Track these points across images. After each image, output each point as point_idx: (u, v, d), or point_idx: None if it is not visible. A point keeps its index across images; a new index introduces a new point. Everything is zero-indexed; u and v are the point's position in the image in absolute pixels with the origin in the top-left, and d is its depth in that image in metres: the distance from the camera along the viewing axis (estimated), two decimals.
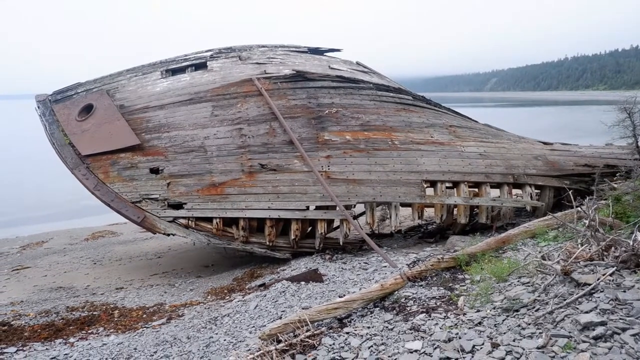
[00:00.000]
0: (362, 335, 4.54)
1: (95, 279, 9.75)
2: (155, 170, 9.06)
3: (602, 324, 3.37)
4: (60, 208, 18.44)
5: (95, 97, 9.99)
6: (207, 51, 10.85)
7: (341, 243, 8.96)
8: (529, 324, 3.83)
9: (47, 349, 5.78)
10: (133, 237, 13.53)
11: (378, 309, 5.28)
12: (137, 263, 10.98)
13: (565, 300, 3.92)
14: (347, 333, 4.67)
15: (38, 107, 10.21)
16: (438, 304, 5.04)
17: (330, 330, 4.85)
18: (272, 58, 10.63)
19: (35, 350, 5.76)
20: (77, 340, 6.06)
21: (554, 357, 3.27)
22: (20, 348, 5.86)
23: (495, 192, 9.68)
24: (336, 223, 9.36)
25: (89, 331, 6.47)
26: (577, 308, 3.72)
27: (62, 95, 10.35)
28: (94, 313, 7.31)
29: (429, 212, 10.97)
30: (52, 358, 5.37)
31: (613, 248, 4.35)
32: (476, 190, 9.69)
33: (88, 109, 9.78)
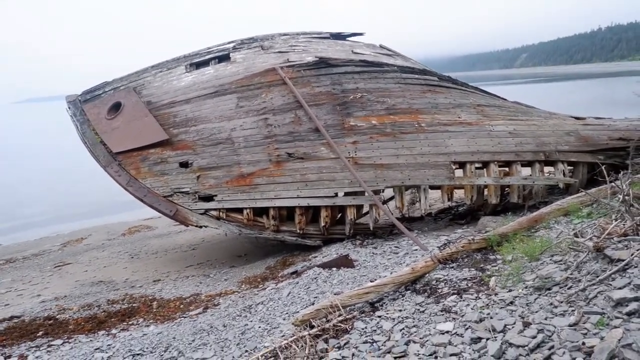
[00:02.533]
0: (393, 319, 4.57)
1: (134, 272, 10.08)
2: (184, 164, 9.25)
3: (636, 299, 3.30)
4: (95, 205, 19.03)
5: (122, 94, 10.23)
6: (229, 43, 10.94)
7: (371, 228, 8.98)
8: (561, 302, 3.77)
9: (91, 340, 6.03)
10: (167, 231, 13.89)
11: (409, 292, 5.29)
12: (173, 255, 11.28)
13: (598, 277, 3.84)
14: (379, 317, 4.71)
15: (69, 108, 10.52)
16: (469, 285, 5.01)
17: (362, 315, 4.90)
18: (294, 46, 10.64)
19: (80, 342, 6.02)
20: (119, 332, 6.29)
21: (586, 334, 3.23)
22: (66, 340, 6.12)
23: (526, 171, 9.49)
24: (365, 208, 9.38)
25: (130, 322, 6.71)
26: (610, 284, 3.64)
27: (91, 94, 10.63)
28: (134, 305, 7.57)
29: (459, 194, 10.85)
30: (96, 349, 5.59)
31: None
32: (507, 169, 9.52)
33: (117, 107, 10.02)
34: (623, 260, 3.81)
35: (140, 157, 9.43)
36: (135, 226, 14.94)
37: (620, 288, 3.51)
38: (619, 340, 2.95)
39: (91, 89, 10.78)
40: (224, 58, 10.50)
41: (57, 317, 7.26)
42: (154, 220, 15.30)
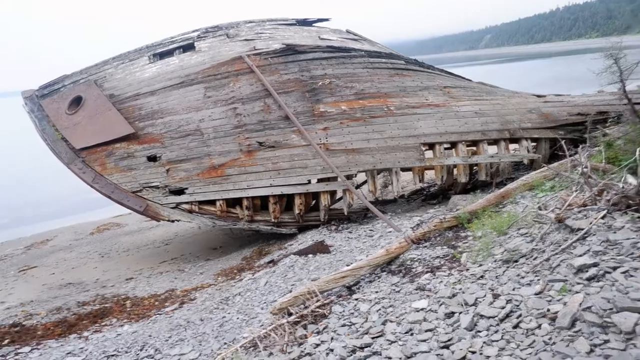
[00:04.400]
0: (370, 300, 4.66)
1: (104, 272, 9.85)
2: (152, 158, 9.10)
3: (595, 265, 3.47)
4: (60, 204, 18.41)
5: (83, 88, 9.91)
6: (193, 32, 10.71)
7: (345, 213, 9.06)
8: (528, 273, 3.93)
9: (62, 345, 5.88)
10: (138, 227, 13.64)
11: (385, 273, 5.39)
12: (145, 252, 11.11)
13: (560, 246, 4.01)
14: (356, 299, 4.80)
15: (26, 104, 10.11)
16: (442, 262, 5.14)
17: (340, 298, 4.97)
18: (261, 33, 10.51)
19: (50, 347, 5.85)
20: (92, 334, 6.17)
21: (550, 301, 3.38)
22: (35, 347, 5.93)
23: (493, 149, 9.72)
24: (339, 194, 9.44)
25: (102, 323, 6.58)
26: (572, 253, 3.81)
27: (49, 89, 10.23)
28: (106, 305, 7.42)
29: (429, 175, 11.04)
30: (67, 353, 5.46)
31: (605, 192, 4.42)
32: (474, 148, 9.72)
33: (77, 102, 9.71)
34: (583, 229, 3.98)
35: (106, 152, 9.22)
36: (104, 224, 14.58)
37: (580, 255, 3.68)
38: (580, 304, 3.10)
39: (49, 83, 10.36)
40: (188, 47, 10.29)
41: (23, 323, 6.98)
42: (123, 217, 14.99)
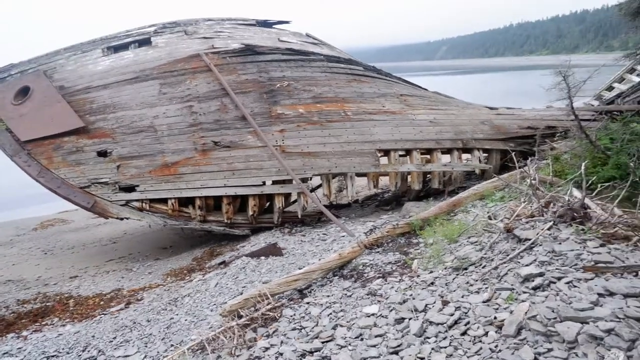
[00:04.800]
0: (321, 304, 4.65)
1: (47, 270, 9.42)
2: (103, 153, 8.78)
3: (540, 275, 3.61)
4: (2, 198, 17.51)
5: (31, 78, 9.46)
6: (150, 26, 10.43)
7: (299, 216, 9.04)
8: (477, 280, 4.04)
9: None
10: (85, 224, 13.13)
11: (337, 277, 5.40)
12: (91, 250, 10.69)
13: (508, 255, 4.15)
14: (308, 303, 4.78)
15: None
16: (394, 268, 5.21)
17: (291, 302, 4.94)
18: (220, 32, 10.36)
19: None
20: (31, 333, 5.90)
21: (497, 308, 3.49)
22: None
23: (446, 158, 9.97)
24: (294, 197, 9.42)
25: (43, 323, 6.31)
26: (519, 262, 3.95)
27: None
28: (47, 304, 7.11)
29: (384, 181, 11.19)
30: (4, 353, 5.21)
31: (552, 204, 4.62)
32: (428, 157, 9.94)
33: (24, 92, 9.28)
34: (530, 240, 4.14)
35: (53, 145, 8.82)
36: (49, 220, 13.93)
37: (527, 265, 3.82)
38: (526, 313, 3.21)
39: None
40: (144, 42, 10.00)
41: None
42: (69, 214, 14.37)
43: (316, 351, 3.71)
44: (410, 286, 4.45)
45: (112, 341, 5.19)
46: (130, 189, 8.69)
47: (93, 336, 5.41)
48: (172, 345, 4.77)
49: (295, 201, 9.38)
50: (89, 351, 5.01)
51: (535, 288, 3.50)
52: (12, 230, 13.16)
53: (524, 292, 3.52)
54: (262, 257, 7.16)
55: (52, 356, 5.00)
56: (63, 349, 5.14)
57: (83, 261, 9.80)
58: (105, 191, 8.63)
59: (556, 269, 3.63)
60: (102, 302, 6.93)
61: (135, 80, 9.27)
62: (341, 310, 4.39)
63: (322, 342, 3.84)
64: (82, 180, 8.64)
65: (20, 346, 5.38)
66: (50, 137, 8.82)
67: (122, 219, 8.99)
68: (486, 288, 3.83)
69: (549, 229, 4.21)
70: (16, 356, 5.11)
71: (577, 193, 4.60)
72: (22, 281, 8.79)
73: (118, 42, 10.05)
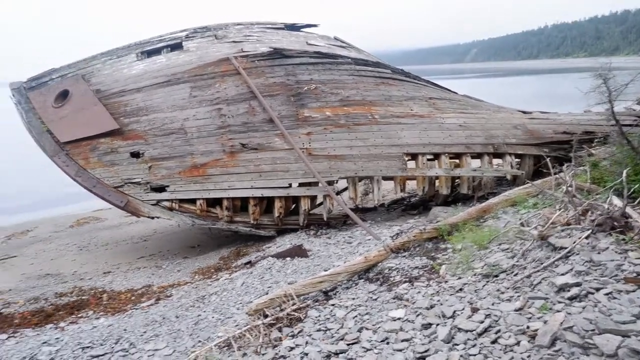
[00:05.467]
0: (347, 307, 4.64)
1: (82, 265, 9.74)
2: (135, 154, 9.00)
3: (577, 284, 3.48)
4: (42, 196, 18.14)
5: (70, 82, 9.82)
6: (182, 31, 10.67)
7: (325, 218, 9.05)
8: (508, 288, 3.95)
9: (38, 334, 5.81)
10: (118, 222, 13.47)
11: (362, 280, 5.38)
12: (124, 247, 10.97)
13: (542, 264, 4.04)
14: (333, 305, 4.77)
15: (13, 96, 10.01)
16: (421, 273, 5.15)
17: (316, 303, 4.95)
18: (249, 36, 10.51)
19: (26, 336, 5.79)
20: (68, 325, 6.10)
21: (530, 318, 3.39)
22: (12, 335, 5.88)
23: (476, 163, 9.81)
24: (319, 199, 9.43)
25: (79, 315, 6.51)
26: (554, 271, 3.83)
27: (36, 82, 10.15)
28: (83, 297, 7.34)
29: (411, 185, 11.09)
30: (43, 343, 5.39)
31: (590, 212, 4.47)
32: (457, 161, 9.80)
33: (64, 95, 9.63)
34: (566, 248, 4.01)
35: (90, 146, 9.10)
36: (84, 218, 14.36)
37: (562, 274, 3.69)
38: (561, 323, 3.10)
39: (37, 76, 10.27)
40: (176, 47, 10.24)
41: (1, 311, 6.96)
42: (103, 212, 14.76)
43: (341, 353, 3.70)
44: (437, 292, 4.39)
45: (142, 335, 5.31)
46: (161, 189, 8.88)
47: (125, 329, 5.55)
48: (199, 341, 4.85)
49: (321, 204, 9.39)
50: (121, 344, 5.13)
51: (571, 298, 3.38)
52: (51, 226, 13.65)
53: (559, 302, 3.40)
54: (288, 258, 7.20)
55: (87, 347, 5.15)
56: (97, 340, 5.29)
57: (116, 257, 10.09)
58: (137, 191, 8.84)
59: (594, 279, 3.50)
60: (133, 297, 7.12)
61: (167, 84, 9.48)
62: (367, 313, 4.37)
63: (348, 344, 3.82)
64: (116, 180, 8.87)
65: (58, 336, 5.56)
66: (87, 138, 9.11)
67: (152, 218, 9.18)
68: (518, 296, 3.73)
69: (586, 237, 4.06)
70: (54, 346, 5.28)
71: (617, 201, 4.43)
72: (60, 275, 9.13)
73: (151, 46, 10.32)
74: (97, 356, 4.88)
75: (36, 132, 9.35)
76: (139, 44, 10.46)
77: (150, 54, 10.23)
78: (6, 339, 5.76)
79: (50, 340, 5.46)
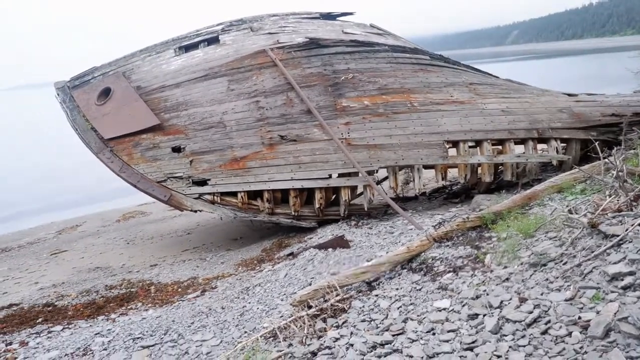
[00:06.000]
0: (390, 297, 4.62)
1: (130, 258, 10.09)
2: (177, 149, 9.20)
3: (631, 273, 3.33)
4: (89, 192, 18.92)
5: (111, 80, 10.10)
6: (218, 25, 10.78)
7: (366, 209, 9.01)
8: (557, 278, 3.82)
9: (90, 325, 6.06)
10: (162, 216, 13.88)
11: (406, 270, 5.34)
12: (168, 240, 11.29)
13: (593, 252, 3.88)
14: (376, 295, 4.76)
15: (58, 95, 10.38)
16: (465, 262, 5.06)
17: (360, 294, 4.95)
18: (284, 27, 10.50)
19: (79, 327, 6.04)
20: (118, 316, 6.32)
21: (582, 308, 3.28)
22: (66, 326, 6.14)
23: (519, 149, 9.51)
24: (359, 189, 9.39)
25: (129, 307, 6.74)
26: (605, 259, 3.68)
27: (79, 80, 10.48)
28: (132, 290, 7.59)
29: (452, 173, 10.89)
30: (96, 334, 5.62)
31: None
32: (500, 147, 9.54)
33: (106, 93, 9.91)
34: (618, 236, 3.84)
35: (132, 142, 9.36)
36: (130, 212, 14.90)
37: (615, 263, 3.54)
38: (615, 313, 2.99)
39: (80, 75, 10.62)
40: (213, 40, 10.35)
41: (55, 303, 7.28)
42: (148, 206, 15.27)
43: (387, 344, 3.69)
44: (483, 281, 4.31)
45: (190, 326, 5.46)
46: (203, 182, 9.05)
47: (173, 321, 5.71)
48: (245, 332, 4.95)
49: (361, 194, 9.35)
50: (169, 334, 5.29)
51: (625, 288, 3.24)
52: (98, 221, 14.24)
53: (612, 292, 3.27)
54: (330, 249, 7.22)
55: (138, 338, 5.34)
56: (147, 331, 5.47)
57: (161, 251, 10.39)
58: (179, 185, 9.04)
59: None
60: (179, 289, 7.31)
61: (204, 78, 9.62)
62: (411, 304, 4.34)
63: (393, 335, 3.81)
64: (158, 175, 9.10)
65: (110, 328, 5.78)
66: (130, 134, 9.36)
67: (195, 211, 9.36)
68: (568, 286, 3.61)
69: (639, 224, 3.88)
70: (106, 337, 5.50)
71: None
72: (109, 268, 9.48)
73: (188, 41, 10.47)
74: (148, 346, 5.05)
75: (81, 130, 9.67)
76: (177, 39, 10.64)
77: (187, 49, 10.39)
78: (61, 330, 6.02)
79: (103, 331, 5.68)
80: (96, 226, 13.69)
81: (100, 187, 18.45)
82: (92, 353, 5.11)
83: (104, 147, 9.44)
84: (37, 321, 6.46)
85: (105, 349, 5.15)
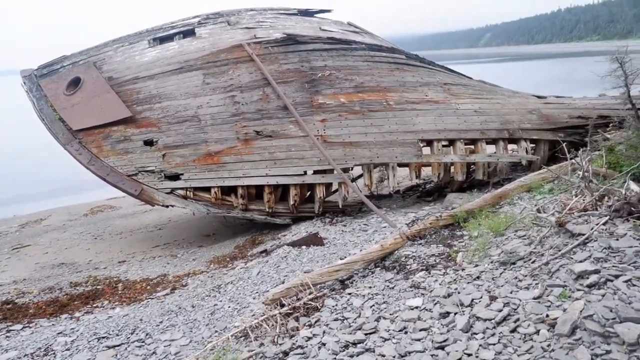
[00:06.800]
0: (363, 295, 4.63)
1: (97, 254, 9.83)
2: (149, 142, 9.01)
3: (596, 272, 3.43)
4: (56, 185, 18.36)
5: (82, 69, 9.80)
6: (194, 17, 10.58)
7: (340, 206, 9.02)
8: (526, 276, 3.90)
9: (53, 324, 5.88)
10: (132, 211, 13.57)
11: (379, 269, 5.37)
12: (138, 236, 11.06)
13: (560, 251, 3.98)
14: (349, 294, 4.77)
15: (24, 83, 10.01)
16: (437, 261, 5.12)
17: (333, 292, 4.95)
18: (262, 22, 10.40)
19: (41, 326, 5.85)
20: (83, 315, 6.15)
21: (549, 306, 3.35)
22: (27, 325, 5.95)
23: (491, 148, 9.69)
24: (335, 186, 9.40)
25: (94, 305, 6.57)
26: (572, 258, 3.78)
27: (48, 69, 10.13)
28: (98, 287, 7.41)
29: (426, 171, 11.01)
30: (58, 333, 5.45)
31: (606, 198, 4.40)
32: (472, 147, 9.69)
33: (76, 83, 9.61)
34: (584, 235, 3.95)
35: (103, 134, 9.12)
36: (98, 206, 14.52)
37: (581, 261, 3.64)
38: (581, 311, 3.07)
39: (48, 63, 10.25)
40: (188, 33, 10.16)
41: (15, 301, 7.03)
42: (117, 200, 14.92)
43: (359, 343, 3.70)
44: (455, 280, 4.36)
45: (158, 325, 5.35)
46: (175, 177, 8.90)
47: (141, 319, 5.59)
48: (216, 331, 4.89)
49: (336, 191, 9.36)
50: (137, 334, 5.18)
51: (590, 286, 3.33)
52: (65, 215, 13.81)
53: (578, 290, 3.36)
54: (304, 247, 7.20)
55: (103, 337, 5.20)
56: (113, 330, 5.34)
57: (130, 246, 10.17)
58: (151, 179, 8.86)
59: (613, 266, 3.45)
60: (148, 287, 7.16)
61: (179, 71, 9.44)
62: (384, 302, 4.36)
63: (365, 334, 3.82)
64: (129, 168, 8.90)
65: (73, 327, 5.62)
66: (100, 126, 9.12)
67: (167, 206, 9.21)
68: (536, 284, 3.69)
69: (604, 224, 4.00)
70: (69, 336, 5.33)
71: (634, 186, 4.36)
72: (75, 264, 9.22)
73: (163, 33, 10.24)
74: (113, 346, 4.93)
75: (48, 120, 9.36)
76: (151, 30, 10.39)
77: (162, 40, 10.15)
78: (21, 329, 5.82)
79: (66, 330, 5.52)
80: (62, 220, 13.28)
81: (68, 181, 17.93)
82: (54, 353, 4.96)
83: (73, 138, 9.17)
84: None
85: (68, 349, 5.00)
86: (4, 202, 16.36)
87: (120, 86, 9.46)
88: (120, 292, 7.09)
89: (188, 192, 8.87)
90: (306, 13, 11.29)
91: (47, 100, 9.57)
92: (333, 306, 4.54)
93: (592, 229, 3.99)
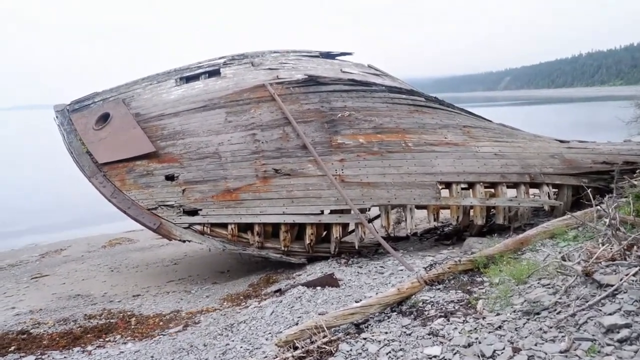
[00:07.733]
0: (379, 341, 4.48)
1: (113, 287, 9.83)
2: (170, 177, 9.13)
3: (627, 326, 3.27)
4: (78, 216, 18.67)
5: (111, 106, 10.12)
6: (220, 58, 10.92)
7: (357, 247, 8.91)
8: (551, 327, 3.74)
9: (65, 357, 5.82)
10: (149, 244, 13.63)
11: (395, 313, 5.21)
12: (154, 270, 11.05)
13: (587, 302, 3.82)
14: (365, 339, 4.62)
15: (56, 117, 10.38)
16: (456, 307, 4.96)
17: (348, 336, 4.81)
18: (284, 63, 10.66)
19: (53, 358, 5.81)
20: (95, 349, 6.09)
21: None
22: (39, 356, 5.90)
23: (512, 192, 9.55)
24: (351, 227, 9.32)
25: (107, 339, 6.51)
26: (600, 310, 3.62)
27: (79, 104, 10.50)
28: (111, 321, 7.36)
29: (445, 214, 10.86)
30: None
31: (635, 247, 4.25)
32: (492, 190, 9.57)
33: (105, 118, 9.91)
34: (612, 286, 3.79)
35: (126, 168, 9.29)
36: (117, 238, 14.63)
37: (610, 314, 3.48)
38: None
39: (80, 99, 10.64)
40: (214, 73, 10.47)
41: (31, 331, 7.02)
42: (135, 233, 15.02)
43: None
44: (475, 328, 4.20)
45: None
46: (194, 212, 8.95)
47: (152, 356, 5.50)
48: None
49: (352, 231, 9.27)
50: None
51: (621, 341, 3.17)
52: (84, 246, 13.95)
53: (608, 345, 3.20)
54: (318, 287, 7.07)
55: None
56: None
57: (146, 280, 10.15)
58: (170, 214, 8.92)
59: None
60: (161, 323, 7.09)
61: (203, 109, 9.67)
62: (400, 349, 4.21)
63: None
64: (150, 202, 9.00)
65: None
66: (125, 160, 9.31)
67: (184, 241, 9.22)
68: (563, 337, 3.53)
69: (634, 274, 3.84)
70: None
71: None
72: (90, 296, 9.21)
73: (190, 73, 10.57)
74: None
75: (76, 153, 9.61)
76: (179, 70, 10.74)
77: (188, 79, 10.48)
78: None
79: None
80: (81, 251, 13.40)
81: (89, 212, 18.21)
82: None
83: (98, 171, 9.36)
84: (10, 349, 6.22)
85: None
86: (26, 231, 16.64)
87: (147, 122, 9.70)
88: (133, 326, 7.02)
89: (205, 228, 8.88)
90: (328, 55, 11.55)
91: (77, 134, 9.87)
92: (348, 351, 4.40)
93: (621, 279, 3.83)
